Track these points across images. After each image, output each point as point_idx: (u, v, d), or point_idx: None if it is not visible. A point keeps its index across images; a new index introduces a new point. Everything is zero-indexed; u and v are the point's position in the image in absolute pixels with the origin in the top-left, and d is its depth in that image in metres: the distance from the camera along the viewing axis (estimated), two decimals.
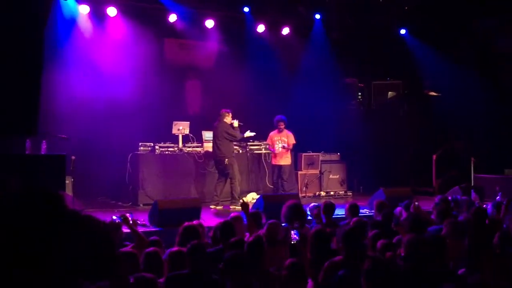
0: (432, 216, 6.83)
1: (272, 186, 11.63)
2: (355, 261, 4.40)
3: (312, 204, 7.39)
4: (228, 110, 10.64)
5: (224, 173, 10.58)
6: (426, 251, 4.17)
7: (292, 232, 4.77)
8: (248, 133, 10.95)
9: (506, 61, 12.83)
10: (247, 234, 5.79)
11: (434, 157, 12.89)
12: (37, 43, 7.58)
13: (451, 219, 5.99)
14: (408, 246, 4.27)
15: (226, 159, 10.44)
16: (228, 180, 10.61)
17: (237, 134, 10.62)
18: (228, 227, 5.48)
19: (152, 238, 5.72)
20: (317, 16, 13.55)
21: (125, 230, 5.83)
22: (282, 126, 11.36)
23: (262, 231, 5.78)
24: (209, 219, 8.27)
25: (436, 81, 13.77)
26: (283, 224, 6.04)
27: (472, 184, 11.20)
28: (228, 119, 10.58)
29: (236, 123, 10.62)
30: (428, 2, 12.88)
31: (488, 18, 12.72)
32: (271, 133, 11.49)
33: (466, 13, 12.55)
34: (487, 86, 12.79)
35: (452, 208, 7.41)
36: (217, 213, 9.70)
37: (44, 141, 9.03)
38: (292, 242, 4.68)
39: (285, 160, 11.45)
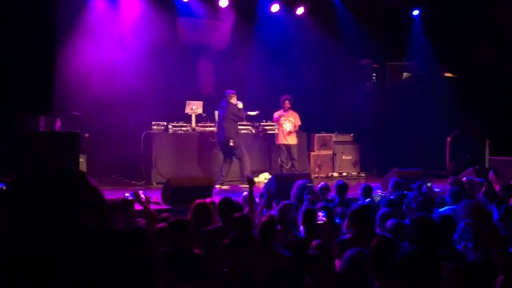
0: (446, 198, 6.79)
1: (284, 167, 11.58)
2: (362, 239, 4.41)
3: (322, 183, 7.41)
4: (233, 92, 10.59)
5: (230, 154, 10.55)
6: (430, 231, 4.14)
7: (320, 213, 4.76)
8: (252, 113, 10.90)
9: None
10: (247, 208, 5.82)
11: (448, 139, 12.78)
12: (50, 20, 7.58)
13: (466, 200, 5.97)
14: (412, 225, 4.26)
15: (231, 140, 10.40)
16: (235, 160, 10.59)
17: (243, 115, 10.63)
18: (226, 205, 5.49)
19: (163, 215, 5.78)
20: None
21: (138, 207, 5.87)
22: (288, 105, 11.31)
23: (273, 212, 5.83)
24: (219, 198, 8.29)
25: (452, 62, 13.59)
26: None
27: (487, 167, 11.10)
28: (234, 100, 10.54)
29: (240, 104, 10.58)
30: None
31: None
32: (276, 112, 11.44)
33: None
34: (502, 67, 12.61)
35: (467, 190, 7.37)
36: (227, 192, 9.72)
37: (58, 119, 9.08)
38: (319, 222, 4.68)
39: (293, 139, 11.42)
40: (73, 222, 1.43)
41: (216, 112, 11.44)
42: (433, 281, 3.68)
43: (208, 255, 4.44)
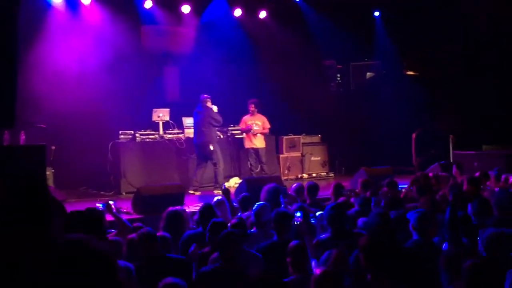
0: (413, 193, 6.94)
1: (253, 171, 11.60)
2: (340, 239, 4.47)
3: (296, 184, 7.45)
4: (209, 96, 10.60)
5: (206, 158, 10.55)
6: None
7: (297, 213, 4.78)
8: (215, 109, 10.79)
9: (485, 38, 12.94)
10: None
11: (414, 136, 13.03)
12: (10, 31, 7.42)
13: (429, 195, 6.12)
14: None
15: (211, 145, 10.41)
16: (209, 165, 10.59)
17: (221, 118, 10.60)
18: (207, 211, 5.51)
19: (135, 224, 5.73)
20: None
21: (109, 218, 5.81)
22: (253, 108, 11.32)
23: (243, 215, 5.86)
24: (192, 204, 8.28)
25: (414, 60, 13.87)
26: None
27: (451, 161, 11.36)
28: (209, 104, 10.55)
29: (215, 108, 10.59)
30: None
31: None
32: (244, 117, 11.44)
33: None
34: (463, 62, 12.93)
35: (433, 184, 7.54)
36: (201, 198, 9.70)
37: (22, 132, 8.90)
38: (296, 223, 4.70)
39: (260, 142, 11.40)
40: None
41: (185, 119, 11.41)
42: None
43: (188, 259, 4.45)
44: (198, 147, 10.65)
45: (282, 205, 6.07)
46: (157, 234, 4.82)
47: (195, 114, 10.67)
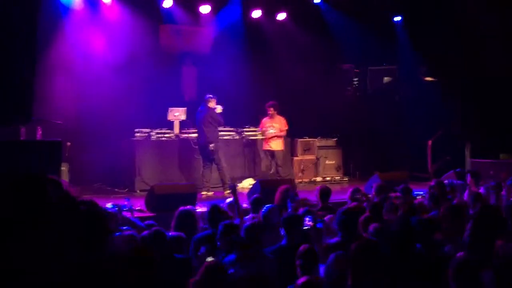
0: (425, 201, 6.87)
1: (268, 173, 11.59)
2: (350, 243, 4.43)
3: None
4: (213, 96, 10.54)
5: (209, 158, 10.52)
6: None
7: (306, 218, 4.78)
8: (219, 109, 10.74)
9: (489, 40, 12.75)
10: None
11: (430, 142, 12.91)
12: (31, 28, 7.53)
13: (447, 203, 6.04)
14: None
15: (211, 145, 10.36)
16: (214, 166, 10.55)
17: (222, 120, 10.55)
18: (215, 212, 5.51)
19: (147, 222, 5.76)
20: (317, 0, 13.41)
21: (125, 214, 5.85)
22: (272, 111, 11.28)
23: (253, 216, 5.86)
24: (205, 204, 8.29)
25: (432, 66, 13.74)
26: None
27: (467, 169, 11.23)
28: (212, 104, 10.49)
29: (219, 108, 10.53)
30: None
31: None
32: (263, 119, 11.44)
33: None
34: (481, 69, 12.77)
35: (448, 192, 7.45)
36: (212, 199, 9.70)
37: (39, 127, 9.00)
38: (305, 228, 4.70)
39: (277, 145, 11.37)
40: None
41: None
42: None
43: (198, 261, 4.46)
44: (200, 147, 10.62)
45: (289, 210, 6.05)
46: (172, 234, 4.84)
47: (197, 114, 10.65)
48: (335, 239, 4.74)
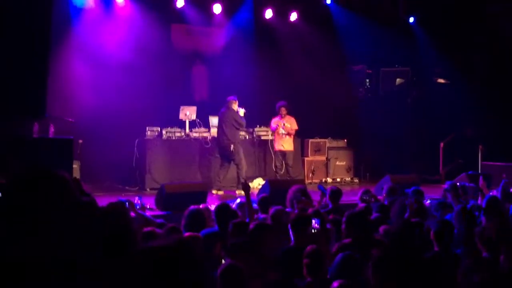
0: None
1: (278, 173, 11.59)
2: (361, 244, 4.41)
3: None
4: (235, 98, 10.62)
5: (228, 159, 10.58)
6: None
7: (313, 220, 4.75)
8: (241, 112, 10.80)
9: None
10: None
11: (442, 144, 12.84)
12: (44, 26, 7.59)
13: (460, 206, 5.99)
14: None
15: (232, 145, 10.43)
16: (232, 166, 10.61)
17: (244, 122, 10.63)
18: (223, 210, 5.49)
19: (158, 220, 5.77)
20: (328, 1, 13.40)
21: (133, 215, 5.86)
22: (284, 112, 11.30)
23: (265, 216, 5.84)
24: (214, 203, 8.28)
25: (445, 68, 13.67)
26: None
27: (480, 172, 11.15)
28: (235, 106, 10.57)
29: (242, 111, 10.60)
30: None
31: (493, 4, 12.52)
32: (273, 119, 11.44)
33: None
34: (496, 72, 12.68)
35: (460, 195, 7.39)
36: (222, 198, 9.72)
37: (51, 125, 9.06)
38: (313, 231, 4.67)
39: (288, 145, 11.38)
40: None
41: (212, 118, 11.45)
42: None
43: (205, 259, 4.43)
44: (220, 147, 10.69)
45: (296, 210, 6.03)
46: (187, 234, 4.82)
47: (219, 114, 10.70)
48: (346, 240, 4.72)
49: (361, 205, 6.73)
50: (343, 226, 4.91)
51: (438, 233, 4.45)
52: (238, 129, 10.62)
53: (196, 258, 1.41)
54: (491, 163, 11.75)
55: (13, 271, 1.36)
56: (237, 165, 10.56)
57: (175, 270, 1.35)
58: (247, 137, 11.89)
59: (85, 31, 11.09)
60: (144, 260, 1.36)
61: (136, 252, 1.44)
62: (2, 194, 1.49)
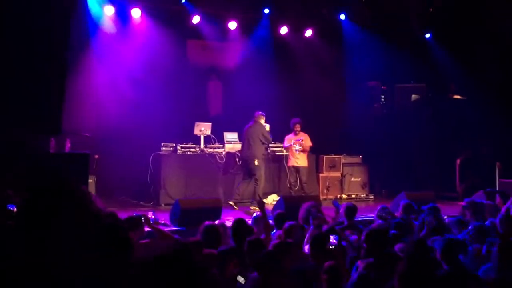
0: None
1: (292, 189, 11.53)
2: (384, 262, 4.37)
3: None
4: (263, 113, 10.70)
5: (250, 174, 10.58)
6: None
7: (332, 236, 4.74)
8: (267, 127, 10.93)
9: None
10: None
11: (458, 161, 12.71)
12: (62, 42, 7.67)
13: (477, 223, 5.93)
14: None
15: (256, 160, 10.48)
16: (253, 181, 10.60)
17: (271, 138, 10.76)
18: (239, 226, 5.48)
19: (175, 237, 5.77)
20: (342, 17, 13.44)
21: (147, 229, 5.86)
22: (298, 129, 11.28)
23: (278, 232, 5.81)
24: (229, 218, 8.27)
25: (461, 84, 13.59)
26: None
27: (497, 189, 11.00)
28: (262, 121, 10.66)
29: (267, 127, 10.69)
30: (451, 4, 12.73)
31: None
32: (287, 136, 11.42)
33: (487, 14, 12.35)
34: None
35: (478, 212, 7.30)
36: (238, 213, 9.70)
37: (68, 139, 9.13)
38: (331, 247, 4.66)
39: (302, 161, 11.33)
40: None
41: (226, 133, 11.50)
42: None
43: (221, 275, 4.42)
44: (244, 161, 10.73)
45: (311, 227, 5.99)
46: (205, 250, 4.81)
47: (246, 129, 10.74)
48: (366, 260, 4.67)
49: (378, 221, 6.68)
50: (364, 244, 4.85)
51: (444, 252, 4.40)
52: (264, 143, 10.66)
53: (193, 265, 1.42)
54: (509, 180, 11.59)
55: (35, 278, 1.37)
56: (256, 179, 10.55)
57: (172, 279, 1.37)
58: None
59: (102, 47, 11.22)
60: (143, 271, 1.38)
61: (136, 262, 1.46)
62: (26, 204, 1.51)
